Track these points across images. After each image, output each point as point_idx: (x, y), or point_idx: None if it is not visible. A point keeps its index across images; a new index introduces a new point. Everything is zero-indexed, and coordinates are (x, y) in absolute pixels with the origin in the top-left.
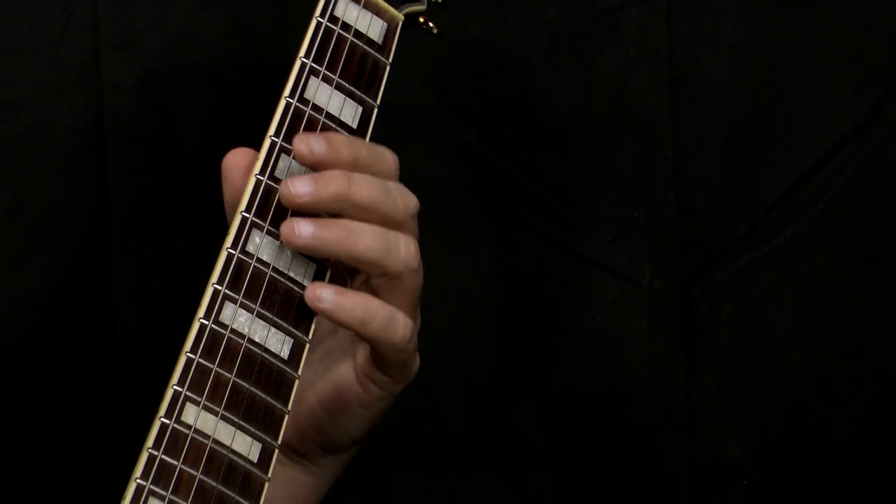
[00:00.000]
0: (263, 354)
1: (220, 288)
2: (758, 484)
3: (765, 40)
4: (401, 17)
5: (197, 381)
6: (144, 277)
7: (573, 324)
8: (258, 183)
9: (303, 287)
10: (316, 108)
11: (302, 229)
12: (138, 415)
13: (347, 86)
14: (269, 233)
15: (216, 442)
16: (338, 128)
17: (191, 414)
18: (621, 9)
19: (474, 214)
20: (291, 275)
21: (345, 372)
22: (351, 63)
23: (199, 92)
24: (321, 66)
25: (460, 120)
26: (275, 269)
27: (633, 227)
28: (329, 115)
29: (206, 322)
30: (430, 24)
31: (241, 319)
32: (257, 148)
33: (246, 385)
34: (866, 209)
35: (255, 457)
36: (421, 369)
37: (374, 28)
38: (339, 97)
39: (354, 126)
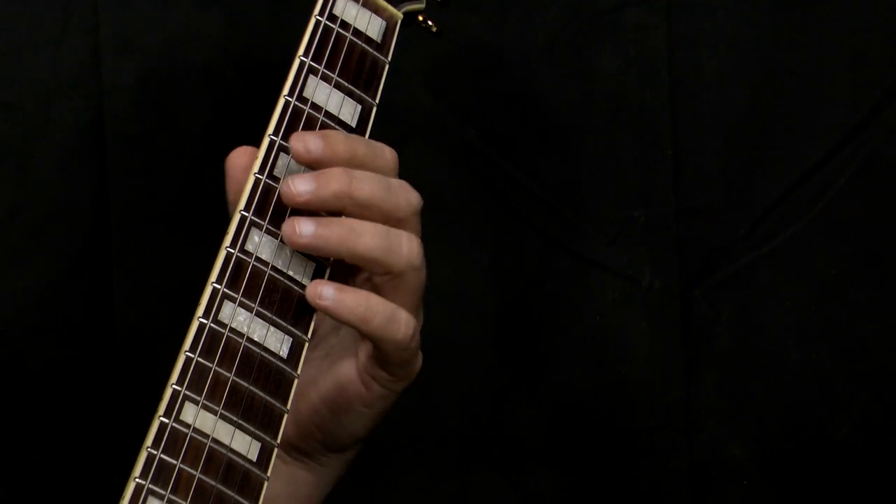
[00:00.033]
0: (262, 353)
1: (219, 287)
2: (758, 484)
3: (765, 40)
4: (400, 15)
5: (196, 380)
6: (144, 277)
7: (573, 324)
8: (257, 182)
9: (302, 286)
10: (315, 106)
11: (303, 228)
12: (138, 414)
13: (346, 84)
14: (268, 231)
15: (215, 441)
16: (337, 126)
17: (190, 413)
18: (621, 9)
19: (474, 214)
20: (290, 273)
21: (347, 370)
22: (350, 61)
23: (199, 92)
24: (320, 64)
25: (460, 120)
26: (274, 268)
27: (633, 227)
28: (328, 114)
29: (205, 321)
30: (430, 23)
31: (240, 318)
32: (258, 147)
33: (245, 384)
34: (866, 209)
35: (254, 456)
36: (421, 369)
37: (372, 26)
38: (338, 96)
39: (353, 124)
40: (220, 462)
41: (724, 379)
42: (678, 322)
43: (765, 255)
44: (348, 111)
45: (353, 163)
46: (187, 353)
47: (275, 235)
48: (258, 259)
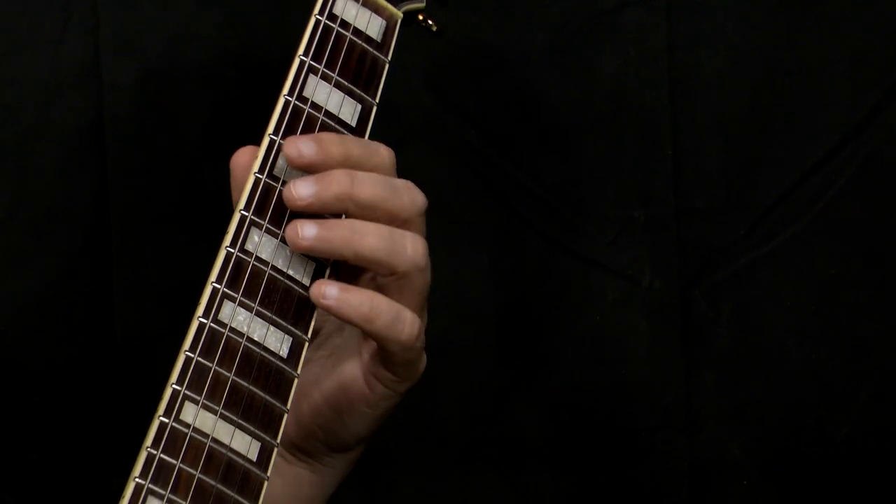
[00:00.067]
0: (262, 353)
1: (218, 286)
2: (758, 484)
3: (765, 40)
4: (400, 14)
5: (196, 379)
6: (144, 277)
7: (573, 324)
8: (257, 181)
9: (302, 285)
10: (315, 106)
11: (306, 231)
12: (137, 414)
13: (346, 84)
14: (268, 231)
15: (215, 441)
16: (337, 126)
17: (190, 413)
18: (621, 9)
19: (474, 214)
20: (290, 273)
21: (351, 370)
22: (350, 61)
23: (198, 92)
24: (320, 63)
25: (460, 120)
26: (274, 268)
27: (633, 227)
28: (328, 114)
29: (205, 321)
30: (430, 22)
31: (239, 318)
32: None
33: (245, 384)
34: (866, 209)
35: (254, 455)
36: None
37: (372, 26)
38: (338, 95)
39: (353, 124)
40: (220, 462)
41: (724, 379)
42: (678, 322)
43: (765, 255)
44: (348, 110)
45: (348, 164)
46: (187, 353)
47: (275, 235)
48: (258, 259)
